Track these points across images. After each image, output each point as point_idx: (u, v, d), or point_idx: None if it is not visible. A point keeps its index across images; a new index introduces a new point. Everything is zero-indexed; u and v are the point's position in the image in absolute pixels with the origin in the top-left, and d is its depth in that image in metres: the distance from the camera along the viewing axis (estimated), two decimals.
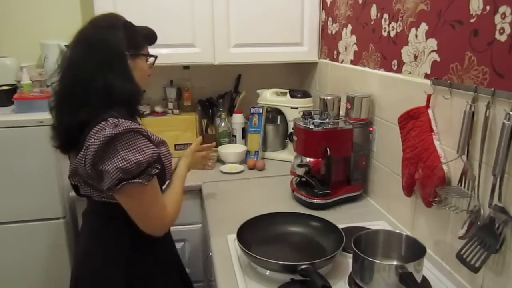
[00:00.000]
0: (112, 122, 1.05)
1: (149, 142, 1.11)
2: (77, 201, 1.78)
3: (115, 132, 1.03)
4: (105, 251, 1.21)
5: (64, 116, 1.13)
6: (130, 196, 1.09)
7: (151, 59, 1.27)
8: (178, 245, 1.58)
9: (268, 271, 1.13)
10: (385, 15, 1.48)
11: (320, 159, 1.60)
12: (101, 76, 1.09)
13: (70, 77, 1.12)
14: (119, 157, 1.03)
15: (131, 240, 1.19)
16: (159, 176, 1.15)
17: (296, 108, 2.02)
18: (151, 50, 1.28)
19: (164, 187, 1.28)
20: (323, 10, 2.12)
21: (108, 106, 1.09)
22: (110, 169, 1.03)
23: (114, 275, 1.19)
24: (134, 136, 1.07)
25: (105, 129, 1.04)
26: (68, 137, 1.13)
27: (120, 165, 1.03)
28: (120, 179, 1.04)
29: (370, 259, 1.02)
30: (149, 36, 1.27)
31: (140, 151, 1.06)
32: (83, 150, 1.07)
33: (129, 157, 1.04)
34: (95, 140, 1.03)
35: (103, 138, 1.03)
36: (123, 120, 1.07)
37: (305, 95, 2.10)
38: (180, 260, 1.46)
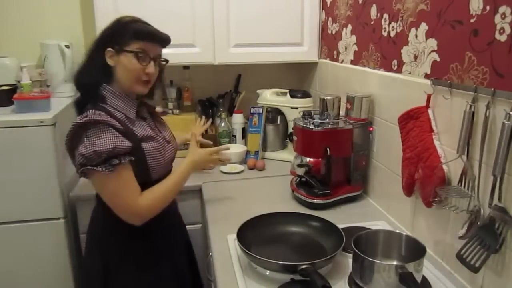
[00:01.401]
0: (84, 114, 1.16)
1: (119, 134, 1.17)
2: (77, 201, 1.78)
3: (80, 121, 1.15)
4: (98, 233, 1.35)
5: (76, 106, 1.27)
6: (94, 182, 1.21)
7: (141, 55, 1.22)
8: None
9: (268, 271, 1.13)
10: (385, 15, 1.48)
11: (320, 159, 1.60)
12: (88, 71, 1.24)
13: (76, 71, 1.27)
14: (82, 144, 1.14)
15: (115, 225, 1.25)
16: (139, 170, 1.22)
17: (296, 108, 2.02)
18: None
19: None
20: (323, 10, 2.12)
21: (103, 100, 1.23)
22: (76, 154, 1.16)
23: (96, 259, 1.32)
24: (101, 127, 1.15)
25: (77, 119, 1.17)
26: None
27: (81, 151, 1.14)
28: (81, 164, 1.15)
29: (370, 259, 1.02)
30: (138, 32, 1.22)
31: (102, 140, 1.14)
32: (65, 136, 1.21)
33: (89, 145, 1.13)
34: (70, 129, 1.18)
35: (72, 127, 1.17)
36: (98, 112, 1.16)
37: (305, 95, 2.10)
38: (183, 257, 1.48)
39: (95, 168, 1.13)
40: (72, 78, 1.26)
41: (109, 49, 1.21)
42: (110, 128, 1.15)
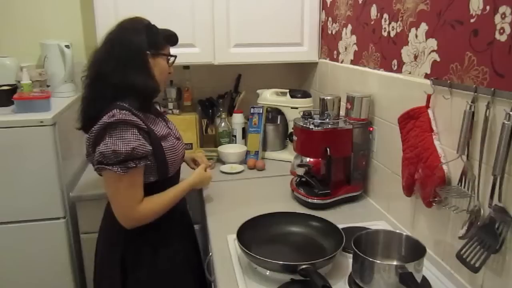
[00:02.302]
0: (112, 113, 1.18)
1: (140, 136, 1.20)
2: (77, 201, 1.78)
3: (108, 121, 1.17)
4: (107, 229, 1.39)
5: (86, 105, 1.29)
6: (106, 180, 1.23)
7: (172, 58, 1.37)
8: None
9: (268, 271, 1.13)
10: (385, 15, 1.48)
11: (320, 159, 1.60)
12: (120, 72, 1.23)
13: (93, 73, 1.27)
14: (104, 142, 1.17)
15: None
16: (159, 167, 1.27)
17: (296, 108, 2.02)
18: None
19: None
20: (323, 10, 2.12)
21: (122, 99, 1.23)
22: (96, 151, 1.19)
23: (111, 253, 1.35)
24: (125, 128, 1.18)
25: (104, 117, 1.18)
26: (87, 122, 1.28)
27: (102, 149, 1.17)
28: (99, 161, 1.18)
29: (370, 259, 1.02)
30: (170, 38, 1.37)
31: (123, 142, 1.16)
32: (89, 133, 1.23)
33: (110, 144, 1.16)
34: (96, 126, 1.19)
35: (100, 125, 1.18)
36: (124, 112, 1.19)
37: (305, 95, 2.10)
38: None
39: (109, 168, 1.17)
40: (99, 76, 1.25)
41: (147, 52, 1.27)
42: (134, 129, 1.19)
